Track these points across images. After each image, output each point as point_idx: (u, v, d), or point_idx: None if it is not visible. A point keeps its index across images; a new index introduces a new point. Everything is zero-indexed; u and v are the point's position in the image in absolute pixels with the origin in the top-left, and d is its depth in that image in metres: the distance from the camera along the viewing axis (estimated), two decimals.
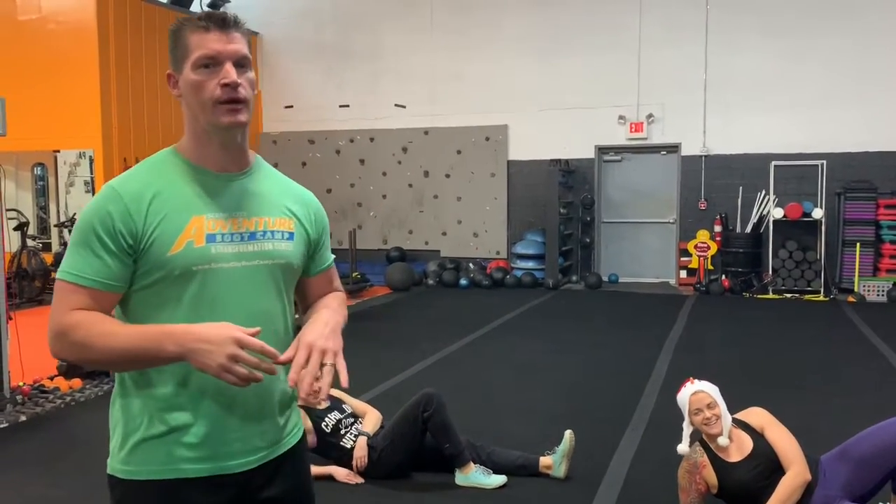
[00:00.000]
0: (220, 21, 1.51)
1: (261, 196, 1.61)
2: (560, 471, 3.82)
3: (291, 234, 1.64)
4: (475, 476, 3.75)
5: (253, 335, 1.41)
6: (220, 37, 1.50)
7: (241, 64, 1.53)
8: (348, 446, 3.91)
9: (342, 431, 3.96)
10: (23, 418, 4.92)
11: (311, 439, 3.93)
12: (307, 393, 1.44)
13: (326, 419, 3.98)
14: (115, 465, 1.55)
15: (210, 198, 1.54)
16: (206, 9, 12.39)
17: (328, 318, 1.60)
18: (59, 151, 10.73)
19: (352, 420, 4.05)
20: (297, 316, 1.72)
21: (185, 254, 1.49)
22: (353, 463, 3.86)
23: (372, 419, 4.12)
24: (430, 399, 3.79)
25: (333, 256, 1.82)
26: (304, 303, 1.77)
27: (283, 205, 1.65)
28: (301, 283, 1.73)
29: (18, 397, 5.16)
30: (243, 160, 1.61)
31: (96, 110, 10.10)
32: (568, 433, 3.87)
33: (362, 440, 3.91)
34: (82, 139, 10.27)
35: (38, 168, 11.15)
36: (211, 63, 1.50)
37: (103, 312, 1.48)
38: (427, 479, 3.90)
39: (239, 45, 1.53)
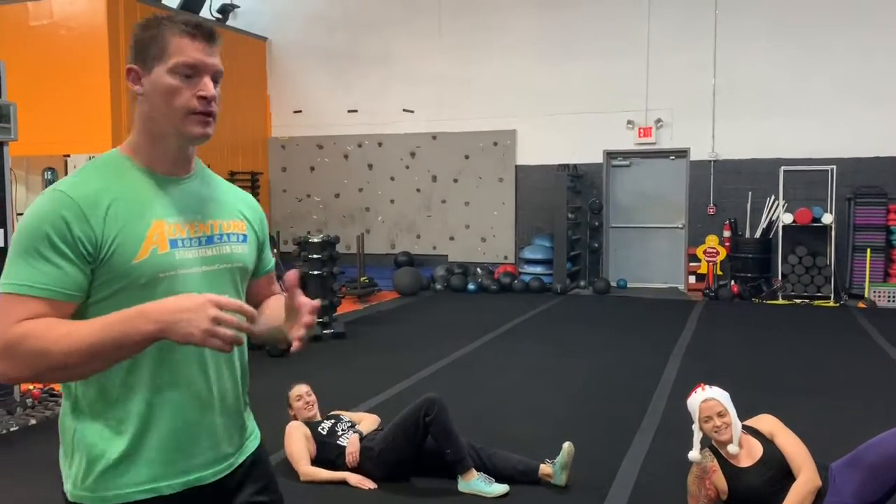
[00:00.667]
0: (208, 33, 1.48)
1: (212, 199, 1.59)
2: (560, 479, 3.80)
3: (245, 237, 1.63)
4: (477, 483, 3.74)
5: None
6: (204, 48, 1.47)
7: (216, 79, 1.51)
8: (345, 444, 3.96)
9: (339, 433, 4.03)
10: (32, 422, 4.94)
11: (311, 447, 3.96)
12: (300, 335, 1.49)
13: (323, 424, 4.08)
14: (81, 492, 1.47)
15: (166, 202, 1.50)
16: (216, 14, 12.46)
17: None
18: (69, 156, 10.78)
19: (349, 425, 4.12)
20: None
21: (150, 261, 1.43)
22: (346, 459, 3.90)
23: (368, 421, 4.20)
24: (431, 404, 3.79)
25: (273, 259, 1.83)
26: (250, 304, 1.73)
27: (235, 207, 1.64)
28: (248, 285, 1.71)
29: (28, 401, 5.18)
30: (190, 165, 1.58)
31: (107, 115, 10.16)
32: (566, 445, 3.84)
33: (354, 437, 3.97)
34: (93, 143, 10.31)
35: (49, 172, 11.20)
36: (191, 72, 1.46)
37: None
38: (428, 485, 3.89)
39: (218, 60, 1.50)
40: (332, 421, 4.11)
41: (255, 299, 1.75)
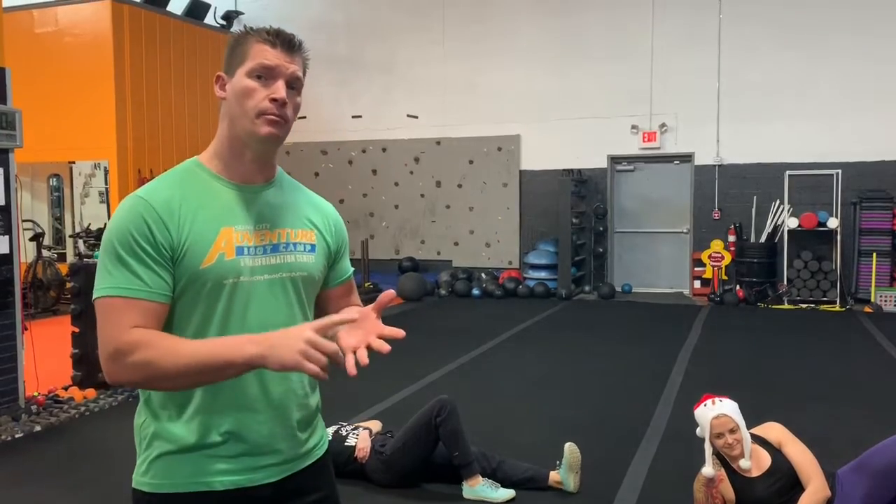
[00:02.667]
0: (287, 42, 1.54)
1: (283, 208, 1.61)
2: (570, 484, 3.77)
3: (313, 247, 1.63)
4: (482, 489, 3.71)
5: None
6: (281, 55, 1.52)
7: (293, 86, 1.54)
8: (353, 444, 3.96)
9: (345, 435, 4.04)
10: (37, 428, 4.93)
11: None
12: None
13: (326, 431, 4.03)
14: (141, 479, 1.53)
15: (236, 210, 1.53)
16: (220, 21, 12.52)
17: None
18: (74, 162, 10.82)
19: (352, 428, 4.13)
20: None
21: (217, 266, 1.47)
22: (356, 455, 3.90)
23: (372, 423, 4.22)
24: (443, 405, 3.78)
25: (353, 269, 1.81)
26: (322, 314, 1.73)
27: (305, 216, 1.65)
28: (320, 295, 1.72)
29: (33, 407, 5.18)
30: (269, 172, 1.61)
31: (111, 122, 10.18)
32: (567, 446, 3.82)
33: (364, 433, 3.99)
34: (97, 150, 10.35)
35: (54, 179, 11.25)
36: (266, 75, 1.50)
37: (158, 328, 1.44)
38: (435, 489, 3.88)
39: (297, 68, 1.54)
40: (335, 427, 4.11)
41: (328, 309, 1.74)
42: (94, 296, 1.44)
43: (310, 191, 1.74)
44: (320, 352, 1.32)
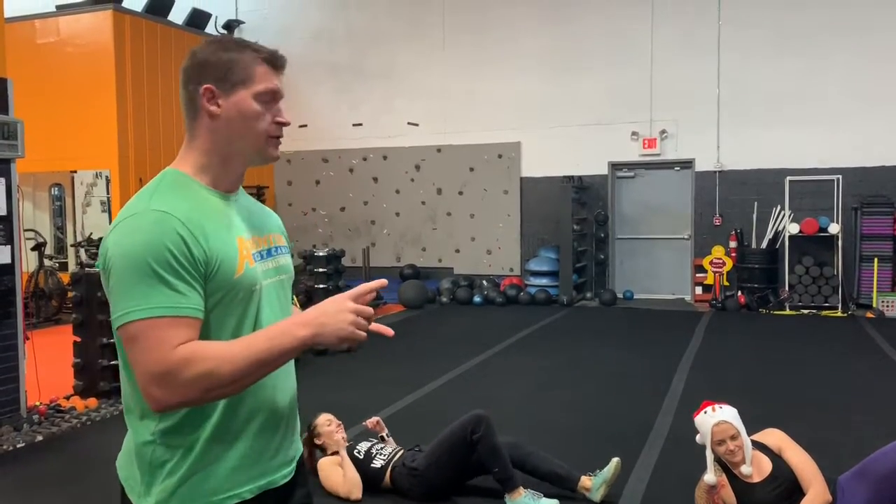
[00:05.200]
0: (284, 65, 1.59)
1: (257, 214, 1.67)
2: (597, 495, 3.74)
3: (287, 248, 1.72)
4: (525, 501, 3.64)
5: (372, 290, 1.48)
6: (278, 77, 1.58)
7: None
8: (378, 465, 3.95)
9: (374, 454, 4.02)
10: (39, 438, 4.93)
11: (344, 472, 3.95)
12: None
13: (358, 448, 4.06)
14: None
15: (235, 219, 1.56)
16: (221, 30, 12.56)
17: None
18: (76, 172, 10.84)
19: (381, 445, 4.10)
20: None
21: (246, 275, 1.50)
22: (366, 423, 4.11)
23: (369, 422, 4.28)
24: (479, 421, 3.73)
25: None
26: None
27: (274, 221, 1.73)
28: None
29: (35, 417, 5.18)
30: (241, 182, 1.65)
31: (113, 131, 10.22)
32: (615, 461, 3.80)
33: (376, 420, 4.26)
34: (99, 160, 10.38)
35: (56, 188, 11.27)
36: (271, 99, 1.55)
37: None
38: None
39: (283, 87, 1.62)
40: (369, 443, 4.08)
41: None
42: (127, 319, 1.36)
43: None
44: (364, 318, 1.42)
